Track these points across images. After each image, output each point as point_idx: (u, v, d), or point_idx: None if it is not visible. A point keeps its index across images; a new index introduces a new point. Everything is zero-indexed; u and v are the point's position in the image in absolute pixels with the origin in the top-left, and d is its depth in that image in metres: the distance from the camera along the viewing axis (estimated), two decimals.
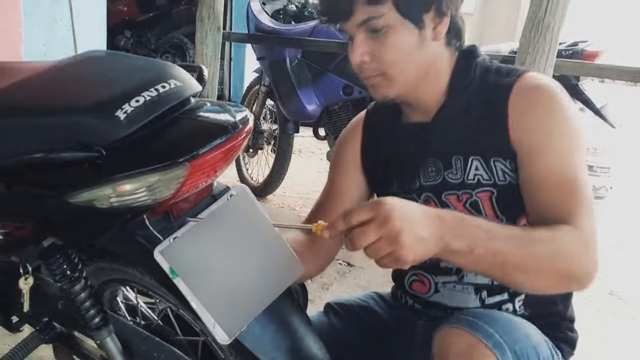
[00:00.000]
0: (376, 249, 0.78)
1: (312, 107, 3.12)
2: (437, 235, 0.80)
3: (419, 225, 0.78)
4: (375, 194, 1.26)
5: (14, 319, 1.33)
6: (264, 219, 0.93)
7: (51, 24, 3.37)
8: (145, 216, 0.90)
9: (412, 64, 1.04)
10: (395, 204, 0.79)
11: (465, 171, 1.07)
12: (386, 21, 1.00)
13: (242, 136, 0.89)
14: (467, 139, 1.07)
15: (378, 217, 0.77)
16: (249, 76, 5.01)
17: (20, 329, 1.36)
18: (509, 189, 1.04)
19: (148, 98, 0.84)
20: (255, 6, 3.24)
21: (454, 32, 1.07)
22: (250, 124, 0.92)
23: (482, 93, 1.06)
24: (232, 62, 5.85)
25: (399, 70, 1.04)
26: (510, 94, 1.02)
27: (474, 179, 1.06)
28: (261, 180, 3.64)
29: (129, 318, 1.24)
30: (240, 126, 0.88)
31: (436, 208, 0.90)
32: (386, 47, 1.02)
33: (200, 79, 0.98)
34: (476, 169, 1.06)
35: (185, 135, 0.87)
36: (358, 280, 2.54)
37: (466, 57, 1.10)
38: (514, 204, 1.04)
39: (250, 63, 5.53)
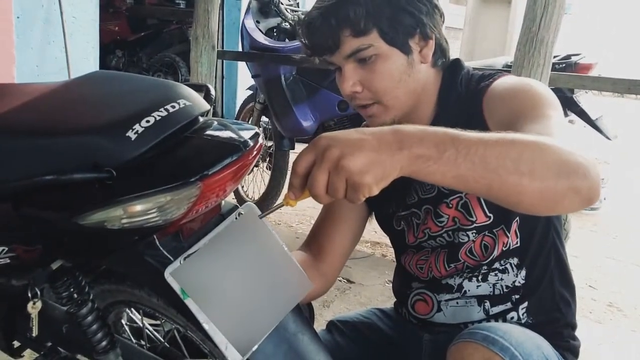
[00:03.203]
0: (332, 187, 0.70)
1: (307, 123, 3.13)
2: (390, 145, 0.70)
3: (360, 143, 0.69)
4: (374, 214, 1.27)
5: (16, 343, 1.31)
6: (272, 236, 0.93)
7: (44, 45, 3.36)
8: (155, 236, 0.89)
9: (403, 89, 1.05)
10: (328, 134, 0.72)
11: None
12: (374, 50, 1.02)
13: (253, 154, 0.89)
14: None
15: (317, 154, 0.71)
16: (242, 94, 5.02)
17: (22, 354, 1.34)
18: None
19: (158, 118, 0.83)
20: (250, 24, 3.25)
21: (440, 53, 1.10)
22: (261, 141, 0.92)
23: (467, 103, 1.07)
24: (224, 80, 5.85)
25: (392, 97, 1.05)
26: (484, 96, 1.04)
27: None
28: (257, 197, 3.63)
29: (134, 340, 1.22)
30: (251, 144, 0.88)
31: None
32: (376, 75, 1.03)
33: (207, 97, 0.98)
34: None
35: (196, 155, 0.86)
36: (359, 297, 2.52)
37: (451, 72, 1.12)
38: None
39: (243, 80, 5.54)
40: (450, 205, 1.09)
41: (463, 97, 1.08)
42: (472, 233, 1.09)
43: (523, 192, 0.74)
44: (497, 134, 0.75)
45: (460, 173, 0.71)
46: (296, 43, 3.17)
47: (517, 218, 1.08)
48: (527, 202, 0.76)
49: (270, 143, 3.55)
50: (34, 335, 1.05)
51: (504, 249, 1.09)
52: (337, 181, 0.70)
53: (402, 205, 1.18)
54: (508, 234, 1.08)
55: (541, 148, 0.75)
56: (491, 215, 1.07)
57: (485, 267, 1.10)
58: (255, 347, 0.86)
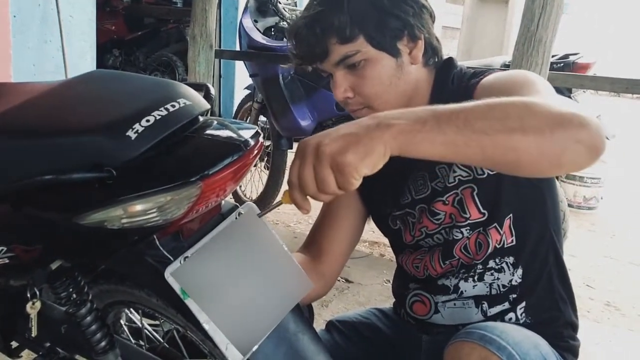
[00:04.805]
0: (319, 178, 0.71)
1: (305, 122, 3.13)
2: (368, 126, 0.71)
3: (336, 131, 0.72)
4: (371, 216, 1.27)
5: (14, 344, 1.30)
6: (272, 236, 0.93)
7: (41, 44, 3.34)
8: (155, 236, 0.88)
9: (394, 92, 1.05)
10: (307, 138, 0.74)
11: (448, 176, 1.08)
12: (362, 56, 1.02)
13: (254, 154, 0.88)
14: None
15: (300, 157, 0.73)
16: (239, 93, 5.02)
17: (20, 354, 1.33)
18: (488, 182, 1.06)
19: (158, 117, 0.83)
20: (247, 23, 3.24)
21: (431, 52, 1.10)
22: (261, 141, 0.92)
23: (458, 100, 1.07)
24: (221, 79, 5.84)
25: (383, 101, 1.05)
26: (474, 92, 1.03)
27: (454, 181, 1.08)
28: (255, 197, 3.63)
29: (133, 341, 1.22)
30: (252, 143, 0.88)
31: None
32: (366, 80, 1.03)
33: (207, 97, 0.98)
34: (454, 171, 1.08)
35: (196, 154, 0.86)
36: (357, 297, 2.52)
37: (444, 71, 1.12)
38: (495, 199, 1.06)
39: (240, 80, 5.53)
40: (447, 202, 1.09)
41: (455, 95, 1.08)
42: (466, 230, 1.09)
43: (518, 148, 0.71)
44: (479, 101, 0.75)
45: (447, 139, 0.71)
46: None
47: (511, 215, 1.08)
48: (527, 160, 0.73)
49: (268, 143, 3.55)
50: (32, 335, 1.04)
51: (497, 246, 1.09)
52: (322, 170, 0.70)
53: (396, 205, 1.18)
54: (501, 231, 1.08)
55: (527, 104, 0.74)
56: (485, 212, 1.07)
57: (480, 267, 1.10)
58: (256, 347, 0.86)
